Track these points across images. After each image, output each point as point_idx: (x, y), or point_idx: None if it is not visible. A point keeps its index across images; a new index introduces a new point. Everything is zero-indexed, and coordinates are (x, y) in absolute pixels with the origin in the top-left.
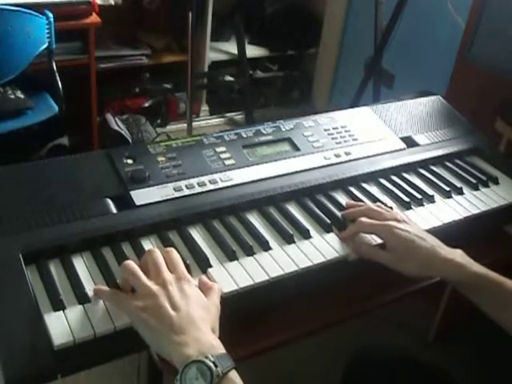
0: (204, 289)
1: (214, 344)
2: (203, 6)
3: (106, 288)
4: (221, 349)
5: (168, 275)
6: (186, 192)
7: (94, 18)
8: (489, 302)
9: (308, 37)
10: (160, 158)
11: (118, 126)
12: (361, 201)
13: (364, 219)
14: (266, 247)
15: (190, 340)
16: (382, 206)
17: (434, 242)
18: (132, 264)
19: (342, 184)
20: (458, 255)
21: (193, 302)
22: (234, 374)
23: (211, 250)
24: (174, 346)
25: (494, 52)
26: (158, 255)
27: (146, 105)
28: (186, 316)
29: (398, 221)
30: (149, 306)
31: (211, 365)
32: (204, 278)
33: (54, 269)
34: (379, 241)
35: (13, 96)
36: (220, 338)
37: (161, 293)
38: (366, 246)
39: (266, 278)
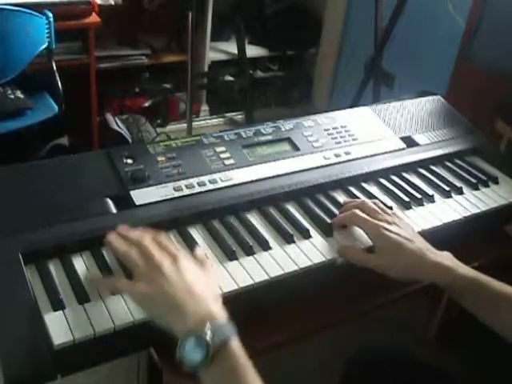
0: (199, 261)
1: (213, 314)
2: (203, 6)
3: (101, 277)
4: (220, 317)
5: (160, 256)
6: (186, 192)
7: (94, 17)
8: (477, 304)
9: (308, 37)
10: (160, 158)
11: (118, 125)
12: None
13: (357, 211)
14: (265, 247)
15: (189, 312)
16: (379, 203)
17: (422, 245)
18: (129, 252)
19: (342, 184)
20: (445, 258)
21: (189, 275)
22: (234, 344)
23: (211, 250)
24: (174, 320)
25: (494, 52)
26: (148, 240)
27: (146, 105)
28: (184, 290)
29: (389, 222)
30: (147, 290)
31: (208, 336)
32: (198, 252)
33: (54, 269)
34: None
35: (13, 96)
36: None
37: (157, 275)
38: (353, 250)
39: (266, 277)
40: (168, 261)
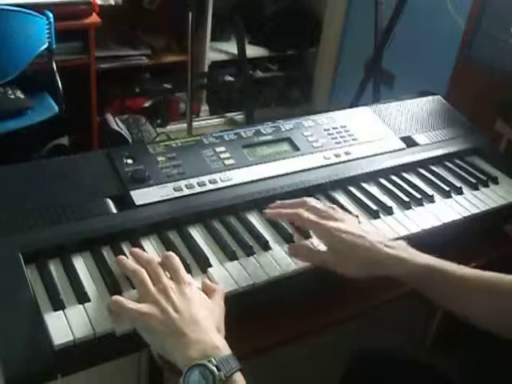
0: (207, 291)
1: (218, 345)
2: (203, 6)
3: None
4: (225, 350)
5: (168, 281)
6: (186, 192)
7: (94, 17)
8: (436, 291)
9: (308, 37)
10: (160, 158)
11: (118, 126)
12: (360, 200)
13: (302, 211)
14: (265, 247)
15: (193, 342)
16: (319, 202)
17: (374, 238)
18: (139, 270)
19: (342, 184)
20: (400, 249)
21: (195, 304)
22: (238, 377)
23: (211, 250)
24: (177, 349)
25: (494, 52)
26: (156, 264)
27: (146, 105)
28: (188, 318)
29: (336, 219)
30: (151, 311)
31: (214, 368)
32: (207, 281)
33: (54, 268)
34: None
35: (13, 96)
36: (225, 337)
37: (162, 298)
38: (306, 249)
39: (266, 278)
40: (175, 285)
